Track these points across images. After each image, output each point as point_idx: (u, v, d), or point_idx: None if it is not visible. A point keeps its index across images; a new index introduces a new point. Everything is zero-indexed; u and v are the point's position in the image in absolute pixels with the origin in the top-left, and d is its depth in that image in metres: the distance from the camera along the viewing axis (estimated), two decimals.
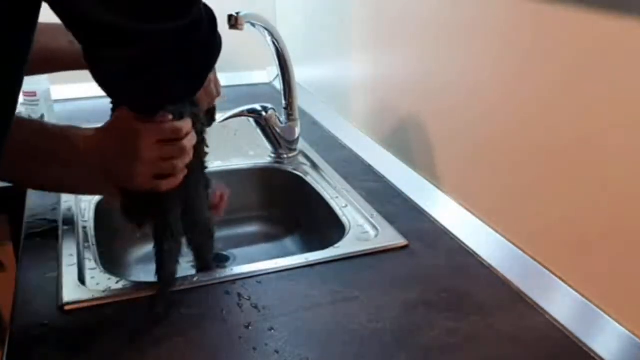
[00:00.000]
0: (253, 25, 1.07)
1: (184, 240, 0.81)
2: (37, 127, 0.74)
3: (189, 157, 0.74)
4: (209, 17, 0.62)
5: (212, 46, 0.64)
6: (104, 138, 0.72)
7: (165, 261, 0.75)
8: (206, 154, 0.82)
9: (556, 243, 0.76)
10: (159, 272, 0.75)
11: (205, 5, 0.61)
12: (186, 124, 0.73)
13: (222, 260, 1.06)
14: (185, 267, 0.89)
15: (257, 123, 1.16)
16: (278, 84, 1.22)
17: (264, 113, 1.15)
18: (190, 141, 0.73)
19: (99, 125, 0.74)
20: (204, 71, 0.66)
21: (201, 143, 0.79)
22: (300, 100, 1.20)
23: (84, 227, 0.91)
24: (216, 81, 0.83)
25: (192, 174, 0.76)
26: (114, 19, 0.52)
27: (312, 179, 1.12)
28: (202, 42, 0.61)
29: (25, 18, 0.56)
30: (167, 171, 0.72)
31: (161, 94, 0.64)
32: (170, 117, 0.71)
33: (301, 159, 1.20)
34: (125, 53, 0.55)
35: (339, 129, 1.33)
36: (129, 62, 0.56)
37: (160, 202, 0.74)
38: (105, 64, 0.58)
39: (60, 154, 0.74)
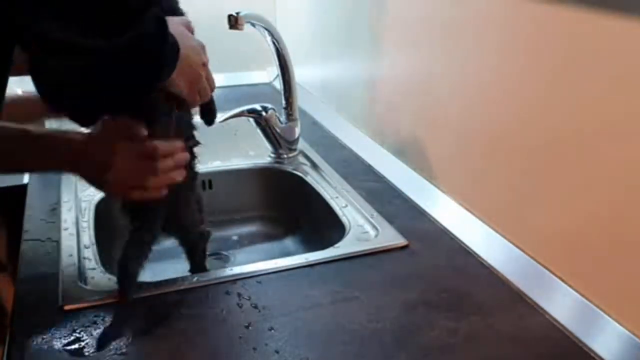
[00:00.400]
0: (253, 25, 1.08)
1: (175, 242, 0.84)
2: (21, 133, 0.74)
3: (166, 179, 0.73)
4: (159, 25, 0.62)
5: (159, 55, 0.64)
6: (88, 144, 0.73)
7: (128, 246, 0.75)
8: (196, 173, 0.83)
9: (556, 243, 0.76)
10: (121, 257, 0.75)
11: (157, 15, 0.61)
12: (165, 146, 0.73)
13: (220, 257, 1.07)
14: (185, 267, 0.89)
15: (257, 123, 1.16)
16: (278, 84, 1.22)
17: (264, 113, 1.15)
18: (167, 164, 0.73)
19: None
20: (149, 80, 0.66)
21: (191, 158, 0.79)
22: (300, 100, 1.20)
23: (84, 227, 0.92)
24: (208, 76, 0.81)
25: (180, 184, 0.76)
26: (59, 34, 0.55)
27: (312, 179, 1.12)
28: (148, 52, 0.62)
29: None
30: (138, 184, 0.72)
31: (101, 104, 0.65)
32: (146, 132, 0.71)
33: (301, 159, 1.20)
34: (70, 63, 0.57)
35: (339, 129, 1.33)
36: (73, 72, 0.58)
37: (143, 203, 0.75)
38: (49, 74, 0.59)
39: (44, 157, 0.74)
